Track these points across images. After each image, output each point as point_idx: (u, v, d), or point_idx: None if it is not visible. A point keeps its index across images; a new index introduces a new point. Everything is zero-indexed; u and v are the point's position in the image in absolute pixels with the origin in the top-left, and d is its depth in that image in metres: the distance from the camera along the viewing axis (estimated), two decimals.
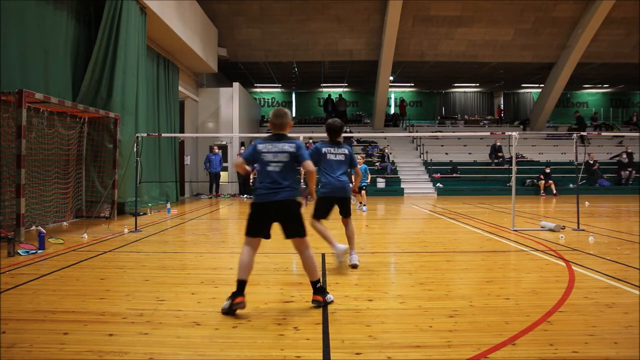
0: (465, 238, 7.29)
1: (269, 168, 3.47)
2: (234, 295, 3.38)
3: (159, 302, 3.71)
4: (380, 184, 18.35)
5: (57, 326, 3.15)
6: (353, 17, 18.56)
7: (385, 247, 6.59)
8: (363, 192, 11.70)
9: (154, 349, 2.76)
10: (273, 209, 3.48)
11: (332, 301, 3.66)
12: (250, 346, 2.82)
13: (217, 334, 3.04)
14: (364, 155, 12.60)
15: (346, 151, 4.97)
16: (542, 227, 8.03)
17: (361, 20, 18.78)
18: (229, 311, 3.36)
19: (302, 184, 11.22)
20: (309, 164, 3.52)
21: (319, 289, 3.61)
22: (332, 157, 4.90)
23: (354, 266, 4.92)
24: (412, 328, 3.13)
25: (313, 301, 3.57)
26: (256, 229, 3.55)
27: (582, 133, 8.44)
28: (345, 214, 5.10)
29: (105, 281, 4.45)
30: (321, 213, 4.94)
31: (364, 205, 11.65)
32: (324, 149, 4.87)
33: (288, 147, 3.51)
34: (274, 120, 3.65)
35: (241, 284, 3.42)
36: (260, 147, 3.53)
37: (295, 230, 3.56)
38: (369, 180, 12.00)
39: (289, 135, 3.66)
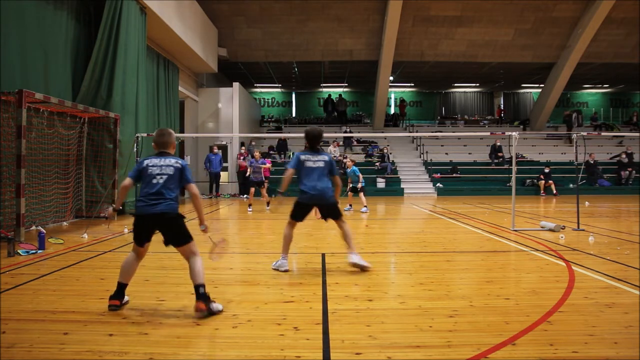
0: (465, 238, 7.29)
1: (154, 181, 3.54)
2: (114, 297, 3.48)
3: (159, 302, 3.71)
4: (380, 184, 18.36)
5: (57, 326, 3.15)
6: (353, 17, 18.56)
7: (385, 247, 6.59)
8: (361, 193, 11.58)
9: (154, 349, 2.77)
10: (154, 219, 3.53)
11: (219, 311, 3.39)
12: (250, 346, 2.82)
13: (217, 334, 3.04)
14: (354, 159, 12.45)
15: (326, 158, 4.95)
16: (542, 227, 8.03)
17: (361, 20, 18.77)
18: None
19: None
20: (192, 187, 3.66)
21: (203, 296, 3.38)
22: (310, 164, 4.86)
23: (355, 265, 4.78)
24: (412, 328, 3.13)
25: (196, 310, 3.32)
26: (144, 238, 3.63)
27: (582, 133, 8.44)
28: (334, 216, 4.99)
29: (105, 281, 4.45)
30: (297, 215, 4.94)
31: (365, 206, 11.52)
32: (302, 157, 4.89)
33: (174, 162, 3.66)
34: (158, 139, 3.77)
35: (122, 287, 3.53)
36: (147, 162, 3.64)
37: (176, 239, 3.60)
38: (361, 180, 11.73)
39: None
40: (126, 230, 7.73)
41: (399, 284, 4.43)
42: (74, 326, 3.15)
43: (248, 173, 12.44)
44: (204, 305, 3.33)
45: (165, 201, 3.51)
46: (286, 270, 4.79)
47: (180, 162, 3.71)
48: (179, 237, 3.58)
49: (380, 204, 14.26)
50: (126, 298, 3.61)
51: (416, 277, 4.62)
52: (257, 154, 12.16)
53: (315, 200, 4.87)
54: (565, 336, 2.96)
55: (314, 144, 4.98)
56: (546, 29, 19.32)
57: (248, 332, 3.06)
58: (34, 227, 7.45)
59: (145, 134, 8.84)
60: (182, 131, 16.40)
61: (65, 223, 8.50)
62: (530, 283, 4.38)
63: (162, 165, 3.60)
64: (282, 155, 20.38)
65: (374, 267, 5.11)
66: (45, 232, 6.21)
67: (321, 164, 4.88)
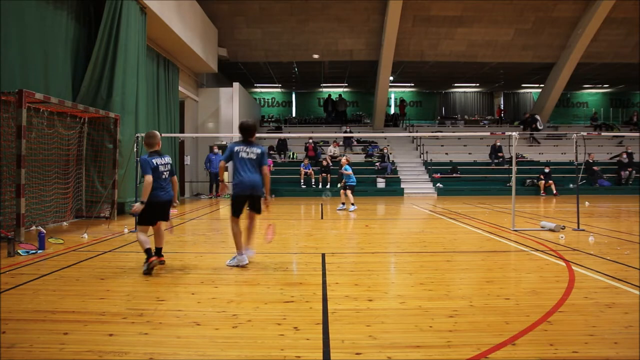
0: (465, 238, 7.29)
1: (163, 176, 4.89)
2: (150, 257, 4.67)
3: (159, 302, 3.71)
4: (380, 184, 18.35)
5: (57, 326, 3.15)
6: (353, 17, 18.56)
7: (385, 247, 6.59)
8: (349, 191, 11.44)
9: (154, 349, 2.77)
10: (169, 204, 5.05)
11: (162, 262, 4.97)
12: (250, 346, 2.82)
13: (217, 334, 3.04)
14: (348, 158, 12.39)
15: (259, 150, 5.07)
16: (542, 227, 8.03)
17: (361, 20, 18.78)
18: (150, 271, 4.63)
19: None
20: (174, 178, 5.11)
21: (159, 251, 5.01)
22: (244, 155, 5.00)
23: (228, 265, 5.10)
24: (412, 328, 3.13)
25: (160, 262, 4.92)
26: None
27: (582, 133, 8.44)
28: (255, 210, 5.22)
29: (105, 281, 4.45)
30: (236, 211, 5.09)
31: (352, 204, 11.44)
32: (236, 148, 5.02)
33: (168, 159, 5.00)
34: (150, 140, 4.97)
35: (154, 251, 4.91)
36: (155, 161, 4.85)
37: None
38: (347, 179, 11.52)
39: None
40: (126, 230, 7.73)
41: (399, 284, 4.43)
42: (74, 326, 3.15)
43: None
44: (163, 257, 5.03)
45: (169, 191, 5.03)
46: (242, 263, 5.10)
47: (169, 158, 5.06)
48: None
49: (380, 204, 14.25)
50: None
51: (416, 277, 4.62)
52: None
53: (246, 191, 5.28)
54: (565, 336, 2.96)
55: (247, 136, 5.21)
56: (546, 29, 19.32)
57: (248, 332, 3.06)
58: (34, 227, 7.45)
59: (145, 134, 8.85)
60: (182, 131, 16.40)
61: (65, 223, 8.50)
62: (530, 283, 4.38)
63: (165, 164, 4.92)
64: (282, 155, 20.38)
65: (374, 267, 5.12)
66: (45, 232, 6.21)
67: (253, 156, 5.17)
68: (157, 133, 5.04)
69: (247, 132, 5.06)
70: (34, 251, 5.80)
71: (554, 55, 20.78)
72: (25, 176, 6.74)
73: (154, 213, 4.85)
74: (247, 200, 5.07)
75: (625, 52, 20.42)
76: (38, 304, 3.65)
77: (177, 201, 5.18)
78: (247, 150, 5.01)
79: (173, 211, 4.87)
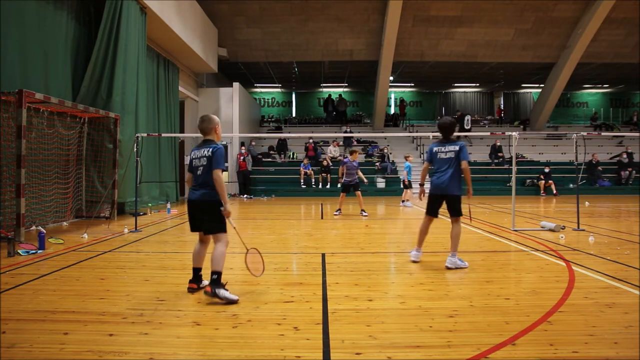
0: (465, 238, 7.27)
1: (198, 172, 3.94)
2: None
3: (159, 302, 3.71)
4: (380, 184, 18.35)
5: (57, 326, 3.15)
6: (353, 17, 18.56)
7: (385, 247, 6.59)
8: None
9: (154, 349, 2.77)
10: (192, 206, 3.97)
11: (225, 298, 3.63)
12: (250, 346, 2.82)
13: (217, 334, 3.04)
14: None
15: (456, 147, 5.09)
16: (542, 227, 8.03)
17: (361, 20, 18.77)
18: None
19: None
20: (216, 173, 3.84)
21: (213, 281, 3.73)
22: (442, 155, 5.11)
23: (447, 267, 4.95)
24: (412, 328, 3.13)
25: (204, 292, 3.74)
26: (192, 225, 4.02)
27: (582, 133, 8.44)
28: (451, 212, 5.36)
29: (105, 281, 4.45)
30: (428, 209, 5.40)
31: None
32: (435, 148, 5.19)
33: (207, 152, 3.92)
34: (199, 125, 4.05)
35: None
36: (193, 154, 4.03)
37: (209, 227, 3.92)
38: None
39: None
40: (126, 230, 7.73)
41: (399, 284, 4.43)
42: (74, 326, 3.15)
43: (341, 174, 10.65)
44: (210, 287, 3.69)
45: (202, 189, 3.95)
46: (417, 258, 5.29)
47: (212, 148, 3.93)
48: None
49: (380, 204, 14.25)
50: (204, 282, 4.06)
51: (416, 277, 4.62)
52: (356, 154, 10.67)
53: (437, 191, 5.37)
54: (565, 336, 2.96)
55: (446, 134, 5.20)
56: (546, 29, 19.32)
57: (248, 332, 3.06)
58: (34, 227, 7.45)
59: (145, 134, 8.83)
60: (182, 131, 16.39)
61: (65, 223, 8.50)
62: (530, 283, 4.38)
63: (200, 157, 3.94)
64: (282, 155, 20.37)
65: (374, 267, 5.12)
66: (45, 232, 6.21)
67: (452, 154, 5.16)
68: (212, 117, 4.04)
69: (445, 130, 5.17)
70: (34, 251, 5.80)
71: (554, 55, 20.77)
72: (25, 176, 6.73)
73: (189, 216, 4.03)
74: (441, 200, 5.33)
75: (625, 52, 20.41)
76: (38, 304, 3.65)
77: (226, 206, 3.82)
78: (444, 149, 5.14)
79: (227, 217, 3.88)
